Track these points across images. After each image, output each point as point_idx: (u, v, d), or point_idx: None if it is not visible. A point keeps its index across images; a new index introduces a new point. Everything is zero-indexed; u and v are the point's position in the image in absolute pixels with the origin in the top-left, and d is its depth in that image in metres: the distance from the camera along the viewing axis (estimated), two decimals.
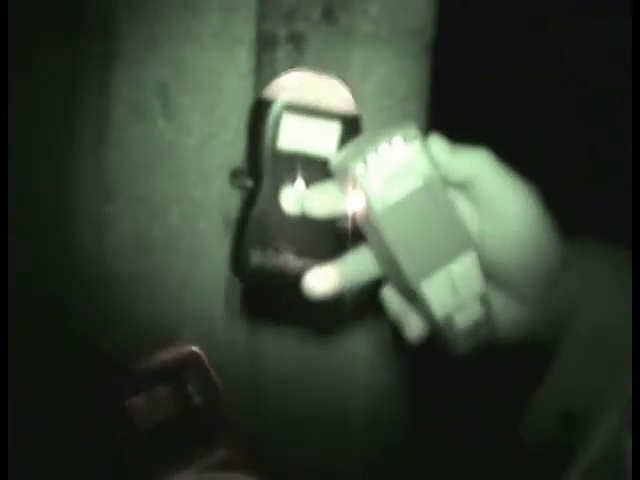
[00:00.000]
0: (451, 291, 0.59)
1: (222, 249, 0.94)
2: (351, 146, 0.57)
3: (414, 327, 0.61)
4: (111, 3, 0.89)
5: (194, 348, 0.64)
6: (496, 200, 0.59)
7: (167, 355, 0.65)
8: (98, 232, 0.92)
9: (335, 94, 0.60)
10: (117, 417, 0.58)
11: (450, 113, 0.89)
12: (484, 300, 0.60)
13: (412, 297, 0.59)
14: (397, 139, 0.54)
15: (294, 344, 0.99)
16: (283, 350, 0.99)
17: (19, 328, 0.87)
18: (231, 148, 0.91)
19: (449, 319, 0.60)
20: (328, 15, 0.89)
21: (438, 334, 0.61)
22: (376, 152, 0.54)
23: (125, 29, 0.89)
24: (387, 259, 0.58)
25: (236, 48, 0.90)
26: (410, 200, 0.56)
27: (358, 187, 0.54)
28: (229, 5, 0.90)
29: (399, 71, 0.90)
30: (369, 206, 0.55)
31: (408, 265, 0.57)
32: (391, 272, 0.60)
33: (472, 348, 0.62)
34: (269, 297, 0.77)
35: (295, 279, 0.59)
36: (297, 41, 0.90)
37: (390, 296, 0.62)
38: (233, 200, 0.93)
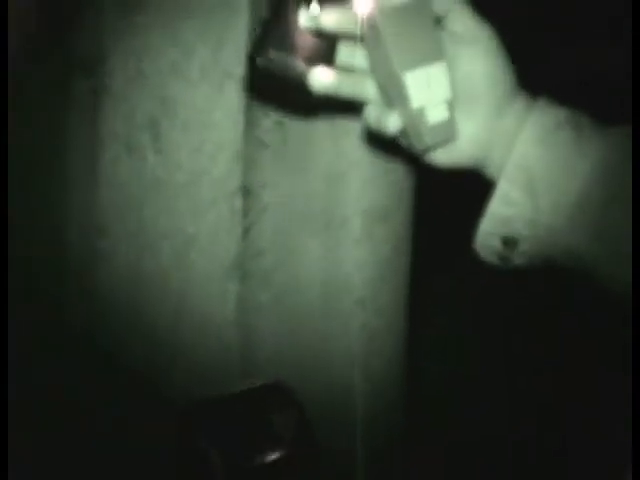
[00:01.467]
0: (425, 88, 0.75)
1: (213, 283, 0.94)
2: None
3: (393, 119, 0.76)
4: (100, 40, 0.89)
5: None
6: (465, 32, 0.76)
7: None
8: (91, 267, 0.93)
9: None
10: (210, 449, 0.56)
11: None
12: (450, 106, 0.76)
13: (395, 89, 0.75)
14: None
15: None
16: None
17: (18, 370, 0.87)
18: (221, 184, 0.91)
19: (421, 111, 0.75)
20: None
21: (410, 127, 0.76)
22: None
23: (114, 65, 0.89)
24: (381, 56, 0.75)
25: (226, 83, 0.90)
26: (405, 7, 0.73)
27: None
28: (218, 40, 0.90)
29: None
30: (375, 6, 0.73)
31: (396, 56, 0.74)
32: (381, 69, 0.76)
33: (436, 145, 0.77)
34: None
35: (301, 75, 0.78)
36: None
37: (369, 110, 0.78)
38: (223, 235, 0.93)
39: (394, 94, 0.76)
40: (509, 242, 0.79)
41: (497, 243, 0.80)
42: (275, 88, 0.84)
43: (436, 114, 0.76)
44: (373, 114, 0.78)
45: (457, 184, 0.91)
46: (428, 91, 0.75)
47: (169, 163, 0.91)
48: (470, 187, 0.82)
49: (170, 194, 0.91)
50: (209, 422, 0.57)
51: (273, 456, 0.58)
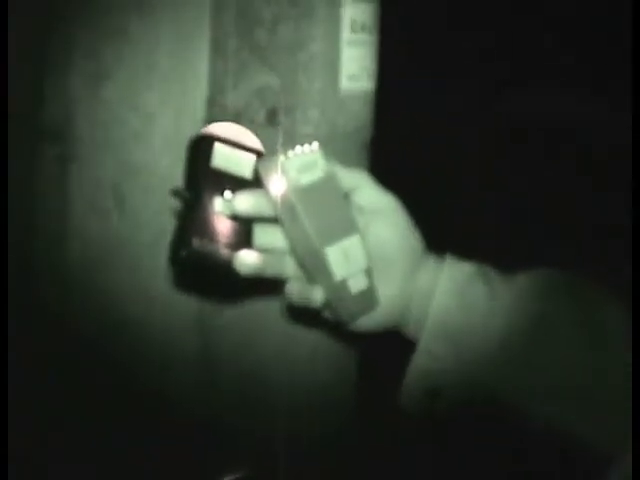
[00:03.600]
0: (345, 260, 0.78)
1: (174, 335, 0.99)
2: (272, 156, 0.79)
3: (317, 292, 0.80)
4: (67, 109, 0.94)
5: None
6: (372, 204, 0.81)
7: None
8: (57, 325, 0.97)
9: (249, 137, 0.83)
10: None
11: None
12: (369, 273, 0.80)
13: (315, 264, 0.78)
14: (305, 147, 0.77)
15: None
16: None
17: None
18: None
19: (344, 283, 0.79)
20: (271, 118, 0.94)
21: (334, 300, 0.80)
22: (293, 152, 0.77)
23: (80, 133, 0.94)
24: (299, 234, 0.78)
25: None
26: (315, 185, 0.77)
27: (280, 173, 0.76)
28: (179, 109, 0.94)
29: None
30: (288, 187, 0.76)
31: (315, 233, 0.77)
32: (300, 246, 0.79)
33: (360, 313, 0.81)
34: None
35: (226, 261, 0.80)
36: None
37: (291, 286, 0.81)
38: (183, 295, 0.97)
39: (315, 269, 0.79)
40: (433, 393, 0.82)
41: (421, 396, 0.82)
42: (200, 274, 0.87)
43: (357, 284, 0.79)
44: (296, 289, 0.81)
45: None
46: (347, 263, 0.78)
47: (133, 224, 0.95)
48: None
49: (135, 253, 0.96)
50: None
51: None
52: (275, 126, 0.94)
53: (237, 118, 0.93)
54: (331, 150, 0.93)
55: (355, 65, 0.96)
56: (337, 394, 1.06)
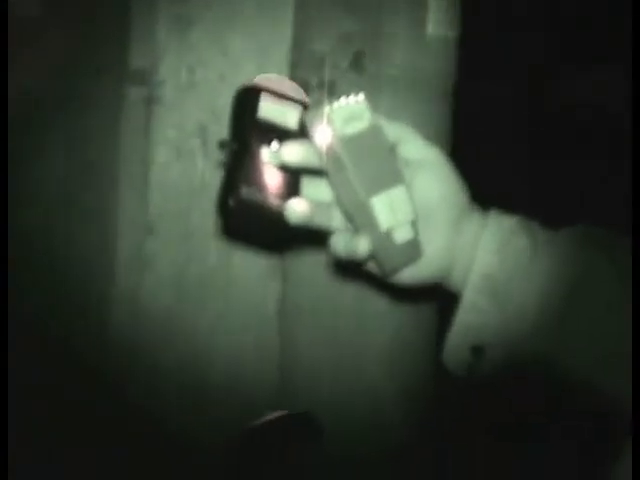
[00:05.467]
0: (390, 211, 0.77)
1: (255, 282, 0.99)
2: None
3: (363, 243, 0.78)
4: (153, 53, 0.95)
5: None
6: (417, 157, 0.80)
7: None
8: (138, 270, 0.97)
9: (294, 89, 0.83)
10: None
11: (469, 159, 0.94)
12: (414, 225, 0.79)
13: (361, 215, 0.78)
14: (351, 98, 0.76)
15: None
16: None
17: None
18: None
19: (389, 234, 0.78)
20: (356, 63, 0.94)
21: (379, 250, 0.78)
22: (338, 103, 0.76)
23: (166, 76, 0.95)
24: (345, 184, 0.77)
25: None
26: (361, 136, 0.77)
27: (326, 123, 0.76)
28: (264, 52, 0.95)
29: (422, 115, 0.95)
30: (333, 137, 0.76)
31: (361, 183, 0.77)
32: (346, 197, 0.78)
33: (404, 265, 0.80)
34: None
35: (274, 211, 0.80)
36: (327, 87, 0.95)
37: (337, 237, 0.80)
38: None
39: (360, 220, 0.79)
40: (478, 351, 0.81)
41: (466, 353, 0.81)
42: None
43: (402, 234, 0.79)
44: (342, 241, 0.80)
45: None
46: (392, 213, 0.77)
47: (217, 167, 0.95)
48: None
49: None
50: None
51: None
52: (360, 71, 0.94)
53: (322, 63, 0.93)
54: (414, 96, 0.94)
55: (441, 11, 0.96)
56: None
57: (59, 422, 0.95)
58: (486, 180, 0.83)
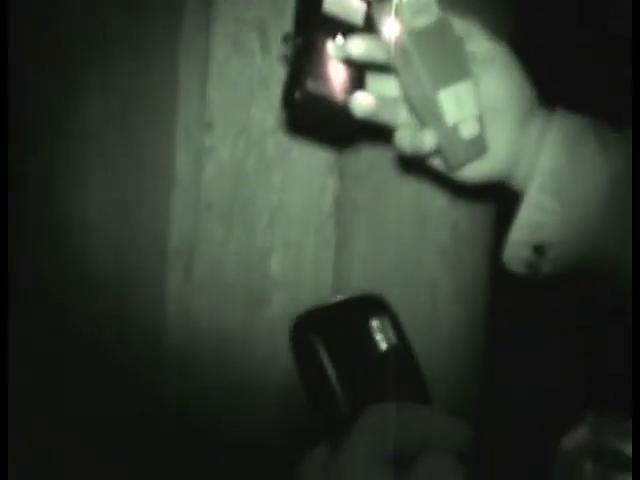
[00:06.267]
0: (457, 105, 0.77)
1: (313, 178, 0.99)
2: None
3: (429, 137, 0.78)
4: None
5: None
6: (485, 53, 0.79)
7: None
8: (197, 162, 0.98)
9: None
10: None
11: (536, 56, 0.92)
12: (480, 120, 0.79)
13: (428, 109, 0.78)
14: None
15: None
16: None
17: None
18: None
19: (455, 128, 0.78)
20: None
21: (445, 145, 0.79)
22: None
23: None
24: (412, 77, 0.77)
25: None
26: (429, 29, 0.76)
27: (394, 15, 0.75)
28: None
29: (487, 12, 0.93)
30: (401, 29, 0.76)
31: (429, 76, 0.76)
32: (413, 90, 0.78)
33: (469, 160, 0.80)
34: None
35: (340, 104, 0.80)
36: None
37: (403, 132, 0.80)
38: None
39: (427, 114, 0.79)
40: (539, 249, 0.81)
41: (527, 252, 0.81)
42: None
43: (469, 129, 0.79)
44: (407, 137, 0.80)
45: None
46: (459, 107, 0.77)
47: (275, 62, 0.95)
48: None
49: (276, 92, 0.96)
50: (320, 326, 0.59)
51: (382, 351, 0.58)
52: None
53: None
54: None
55: None
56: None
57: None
58: (552, 79, 0.81)
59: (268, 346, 0.99)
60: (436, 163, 0.83)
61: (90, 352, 0.97)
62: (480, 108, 0.79)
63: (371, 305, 0.60)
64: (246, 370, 0.99)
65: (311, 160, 0.98)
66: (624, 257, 0.79)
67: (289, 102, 0.81)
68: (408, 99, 0.80)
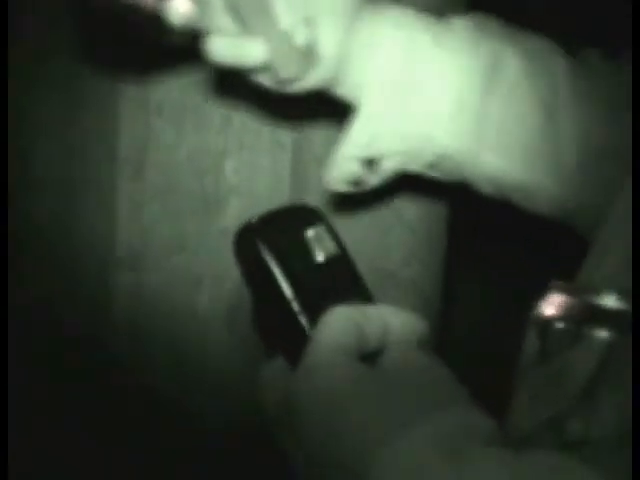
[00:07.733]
0: (289, 6, 0.70)
1: None
2: None
3: (257, 48, 0.70)
4: None
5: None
6: None
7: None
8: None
9: None
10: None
11: None
12: (312, 23, 0.71)
13: (257, 13, 0.69)
14: None
15: None
16: None
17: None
18: None
19: (288, 34, 0.70)
20: None
21: (276, 54, 0.70)
22: None
23: None
24: None
25: None
26: None
27: None
28: None
29: None
30: None
31: None
32: None
33: (304, 70, 0.72)
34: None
35: (151, 11, 0.69)
36: None
37: (219, 40, 0.70)
38: None
39: (255, 18, 0.70)
40: (371, 162, 0.75)
41: (357, 167, 0.75)
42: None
43: (301, 35, 0.70)
44: (229, 45, 0.71)
45: None
46: (290, 11, 0.69)
47: None
48: None
49: None
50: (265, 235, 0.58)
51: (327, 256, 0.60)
52: None
53: None
54: None
55: None
56: None
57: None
58: None
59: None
60: (264, 77, 0.74)
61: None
62: (310, 9, 0.70)
63: (307, 215, 0.61)
64: (199, 281, 0.98)
65: None
66: (479, 156, 0.75)
67: (86, 10, 0.70)
68: (231, 2, 0.70)
